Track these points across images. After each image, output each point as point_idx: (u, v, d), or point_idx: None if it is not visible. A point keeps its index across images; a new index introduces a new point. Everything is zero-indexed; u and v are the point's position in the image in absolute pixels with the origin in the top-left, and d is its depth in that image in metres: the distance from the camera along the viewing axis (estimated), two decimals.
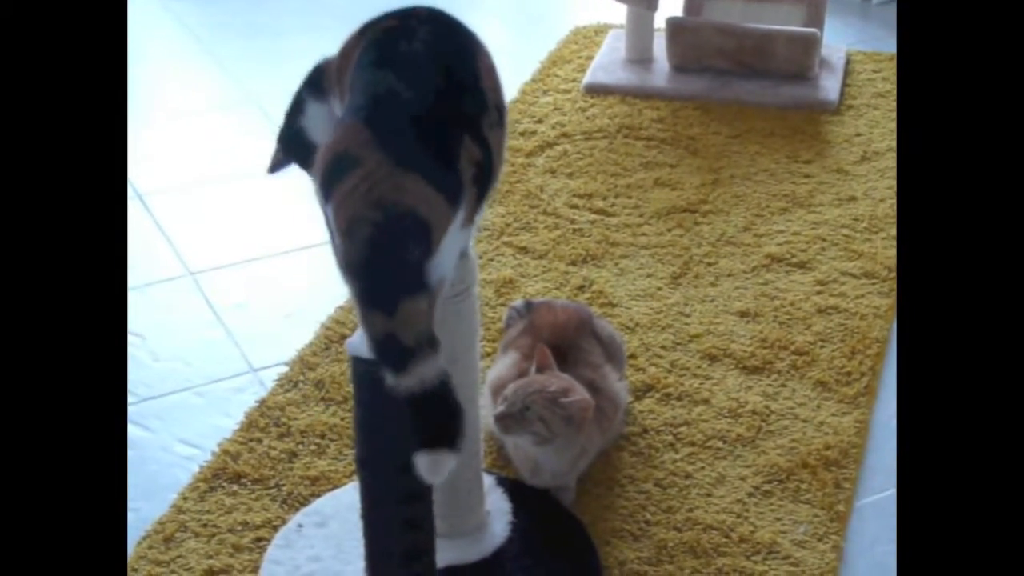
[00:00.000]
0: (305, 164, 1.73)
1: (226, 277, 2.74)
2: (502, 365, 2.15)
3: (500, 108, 1.62)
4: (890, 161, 3.11)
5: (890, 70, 3.57)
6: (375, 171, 1.48)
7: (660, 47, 3.59)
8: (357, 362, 1.60)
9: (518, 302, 2.38)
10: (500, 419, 1.97)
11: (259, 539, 2.02)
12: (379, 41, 1.60)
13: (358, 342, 1.56)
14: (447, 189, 1.50)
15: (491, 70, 1.62)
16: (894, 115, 3.30)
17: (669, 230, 2.84)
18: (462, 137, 1.53)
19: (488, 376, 2.17)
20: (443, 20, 1.63)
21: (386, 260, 1.48)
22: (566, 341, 2.14)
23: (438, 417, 1.50)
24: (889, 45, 3.72)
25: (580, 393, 1.99)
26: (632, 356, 2.41)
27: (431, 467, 1.50)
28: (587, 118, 3.34)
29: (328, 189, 1.51)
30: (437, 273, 1.51)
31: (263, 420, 2.27)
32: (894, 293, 2.60)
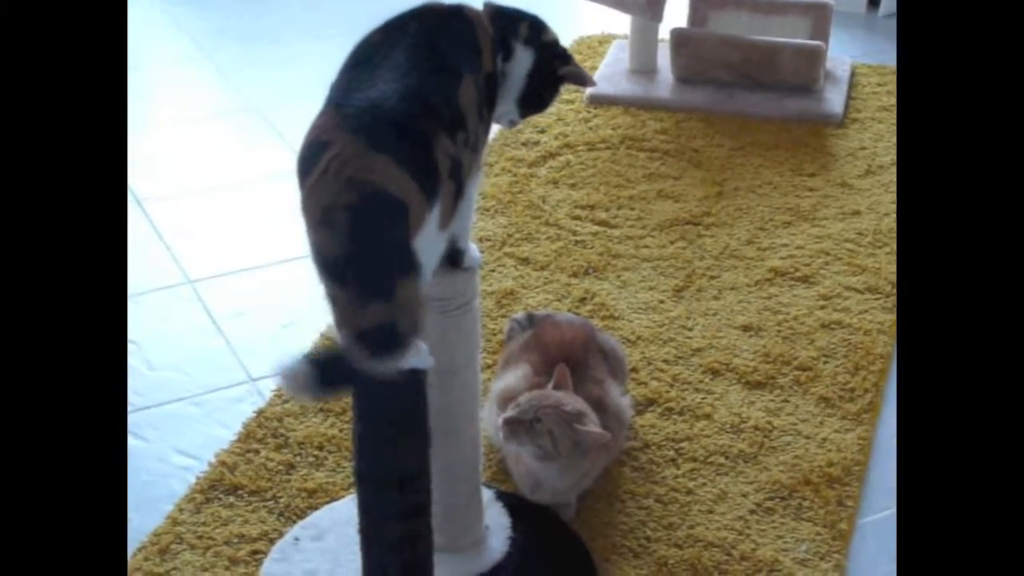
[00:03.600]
0: None
1: (225, 285, 2.72)
2: (512, 377, 2.12)
3: (476, 133, 1.56)
4: (894, 175, 3.09)
5: (895, 83, 3.56)
6: (343, 152, 1.41)
7: (664, 58, 3.58)
8: None
9: (519, 314, 2.36)
10: (508, 423, 1.94)
11: (255, 552, 1.99)
12: (366, 40, 1.56)
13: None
14: (419, 175, 1.43)
15: (469, 90, 1.55)
16: None
17: (672, 242, 2.82)
18: (437, 133, 1.47)
19: (495, 387, 2.15)
20: (434, 29, 1.56)
21: (373, 242, 1.41)
22: (573, 359, 2.11)
23: (345, 378, 1.52)
24: (895, 58, 3.70)
25: (596, 424, 1.97)
26: (634, 370, 2.39)
27: (285, 382, 1.52)
28: (590, 129, 3.32)
29: (302, 180, 1.45)
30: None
31: (261, 431, 2.24)
32: None
